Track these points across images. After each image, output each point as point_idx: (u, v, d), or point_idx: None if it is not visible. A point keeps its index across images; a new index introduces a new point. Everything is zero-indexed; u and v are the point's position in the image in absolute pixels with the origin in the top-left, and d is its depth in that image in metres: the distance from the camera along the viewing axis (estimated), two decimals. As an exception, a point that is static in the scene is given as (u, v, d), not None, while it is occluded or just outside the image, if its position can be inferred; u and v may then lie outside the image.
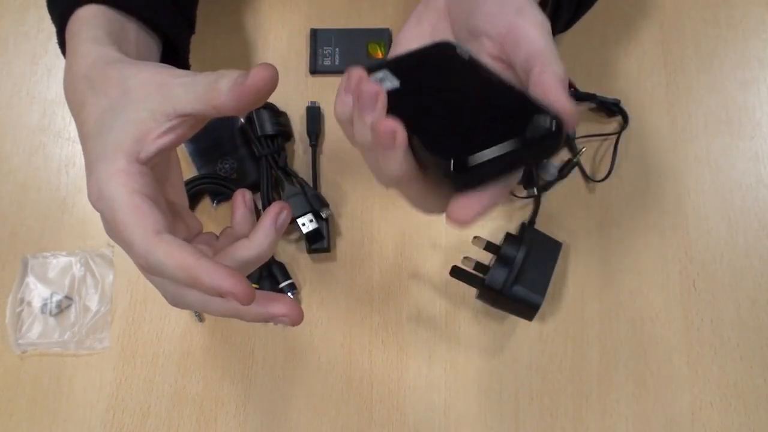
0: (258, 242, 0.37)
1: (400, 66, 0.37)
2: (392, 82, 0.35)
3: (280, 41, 0.66)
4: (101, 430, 0.56)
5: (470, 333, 0.58)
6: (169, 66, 0.38)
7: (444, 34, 0.40)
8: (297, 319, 0.36)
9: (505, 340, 0.58)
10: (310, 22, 0.66)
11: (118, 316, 0.59)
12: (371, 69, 0.36)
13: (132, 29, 0.44)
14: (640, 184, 0.62)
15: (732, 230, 0.61)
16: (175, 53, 0.49)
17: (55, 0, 0.44)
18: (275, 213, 0.38)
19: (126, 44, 0.42)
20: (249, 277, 0.58)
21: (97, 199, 0.34)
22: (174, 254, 0.32)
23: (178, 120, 0.35)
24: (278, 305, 0.36)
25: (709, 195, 0.62)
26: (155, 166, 0.36)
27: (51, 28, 0.66)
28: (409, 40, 0.41)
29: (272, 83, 0.33)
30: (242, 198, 0.41)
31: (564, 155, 0.63)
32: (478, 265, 0.55)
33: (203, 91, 0.34)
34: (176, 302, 0.37)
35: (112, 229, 0.34)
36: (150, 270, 0.34)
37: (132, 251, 0.33)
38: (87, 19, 0.42)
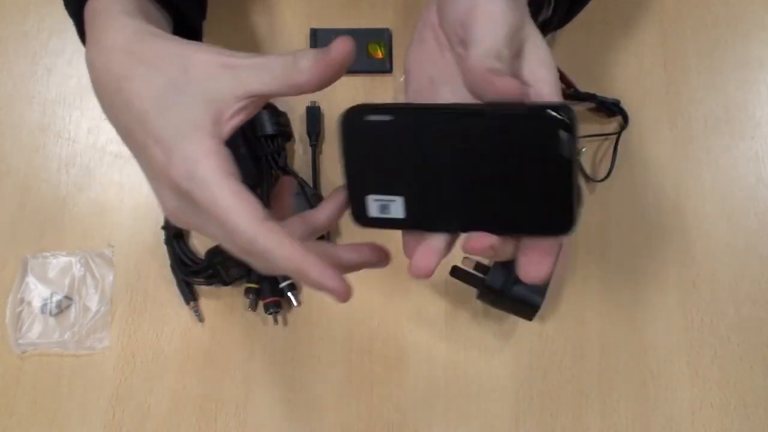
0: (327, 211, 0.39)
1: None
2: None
3: (280, 41, 0.66)
4: (101, 430, 0.56)
5: (470, 333, 0.58)
6: (221, 47, 0.37)
7: (447, 48, 0.40)
8: (339, 297, 0.35)
9: (505, 340, 0.58)
10: (310, 22, 0.66)
11: (118, 316, 0.59)
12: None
13: (152, 7, 0.43)
14: (640, 184, 0.62)
15: (732, 230, 0.61)
16: (189, 35, 0.48)
17: None
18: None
19: (150, 22, 0.41)
20: (249, 276, 0.59)
21: (188, 180, 0.33)
22: (284, 245, 0.32)
23: (248, 100, 0.35)
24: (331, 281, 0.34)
25: (709, 195, 0.62)
26: None
27: (51, 28, 0.66)
28: (420, 62, 0.41)
29: (351, 56, 0.34)
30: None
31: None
32: (478, 265, 0.55)
33: (282, 71, 0.34)
34: (267, 271, 0.36)
35: (208, 210, 0.33)
36: (251, 253, 0.34)
37: (234, 235, 0.33)
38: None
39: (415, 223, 0.35)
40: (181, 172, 0.33)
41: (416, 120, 0.34)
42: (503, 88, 0.33)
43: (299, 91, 0.35)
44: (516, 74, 0.36)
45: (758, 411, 0.56)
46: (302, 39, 0.66)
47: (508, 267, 0.53)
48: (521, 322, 0.58)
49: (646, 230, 0.61)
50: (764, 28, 0.67)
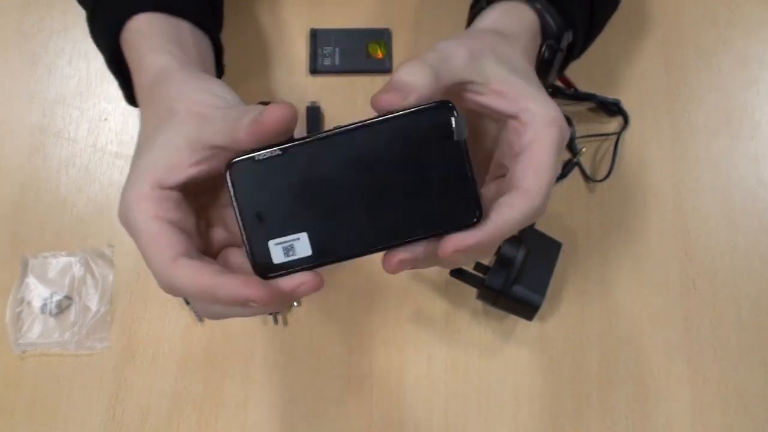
0: None
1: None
2: None
3: (280, 41, 0.66)
4: (101, 430, 0.56)
5: (470, 333, 0.58)
6: (225, 88, 0.38)
7: None
8: (315, 283, 0.34)
9: (505, 340, 0.58)
10: (310, 22, 0.66)
11: (118, 316, 0.59)
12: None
13: (187, 30, 0.44)
14: (640, 184, 0.62)
15: (732, 230, 0.61)
16: (216, 54, 0.49)
17: (100, 20, 0.45)
18: None
19: (186, 47, 0.43)
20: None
21: (124, 223, 0.35)
22: (191, 277, 0.33)
23: (211, 151, 0.35)
24: (290, 280, 0.34)
25: (709, 195, 0.62)
26: (196, 189, 0.36)
27: (51, 28, 0.66)
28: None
29: (287, 123, 0.32)
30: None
31: (564, 155, 0.63)
32: (478, 265, 0.55)
33: (231, 125, 0.34)
34: (212, 316, 0.37)
35: (139, 248, 0.35)
36: (175, 293, 0.34)
37: (156, 277, 0.34)
38: (142, 30, 0.42)
39: (324, 256, 0.34)
40: (121, 214, 0.35)
41: (303, 149, 0.33)
42: (385, 101, 0.33)
43: (240, 147, 0.33)
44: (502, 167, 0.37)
45: (758, 411, 0.56)
46: (302, 39, 0.66)
47: (508, 267, 0.53)
48: (521, 322, 0.58)
49: (646, 230, 0.61)
50: (764, 27, 0.67)
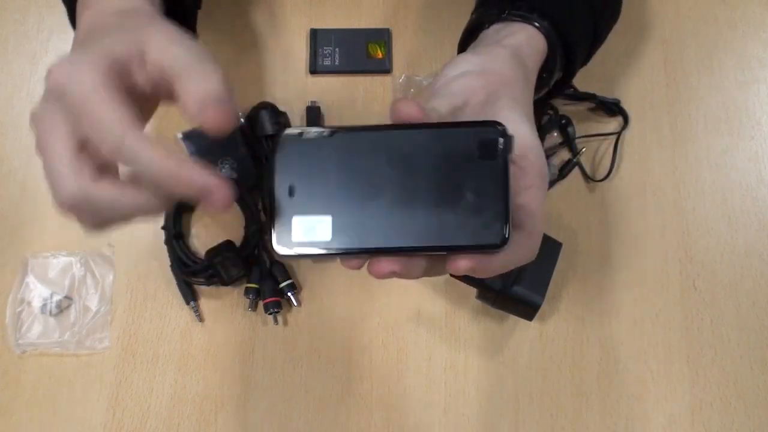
0: None
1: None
2: None
3: (280, 41, 0.66)
4: (101, 430, 0.56)
5: (470, 333, 0.58)
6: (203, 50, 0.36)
7: None
8: (221, 199, 0.32)
9: (505, 340, 0.58)
10: (310, 22, 0.66)
11: (118, 316, 0.59)
12: None
13: None
14: (640, 184, 0.62)
15: (732, 230, 0.61)
16: (183, 22, 0.48)
17: None
18: None
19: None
20: (250, 277, 0.58)
21: (66, 81, 0.32)
22: (154, 147, 0.31)
23: (170, 79, 0.33)
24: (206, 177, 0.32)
25: (709, 195, 0.62)
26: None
27: (51, 28, 0.66)
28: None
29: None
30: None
31: (564, 155, 0.63)
32: (478, 265, 0.55)
33: (201, 90, 0.32)
34: (95, 221, 0.34)
35: (79, 111, 0.32)
36: (123, 159, 0.32)
37: (101, 134, 0.31)
38: None
39: (342, 244, 0.33)
40: (62, 73, 0.32)
41: (350, 137, 0.34)
42: (406, 113, 0.33)
43: (196, 122, 0.33)
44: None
45: (758, 411, 0.56)
46: (302, 39, 0.66)
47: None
48: (521, 322, 0.58)
49: (646, 230, 0.61)
50: (764, 27, 0.67)
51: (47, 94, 0.34)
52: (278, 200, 0.34)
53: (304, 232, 0.33)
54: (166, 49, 0.34)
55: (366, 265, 0.34)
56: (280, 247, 0.33)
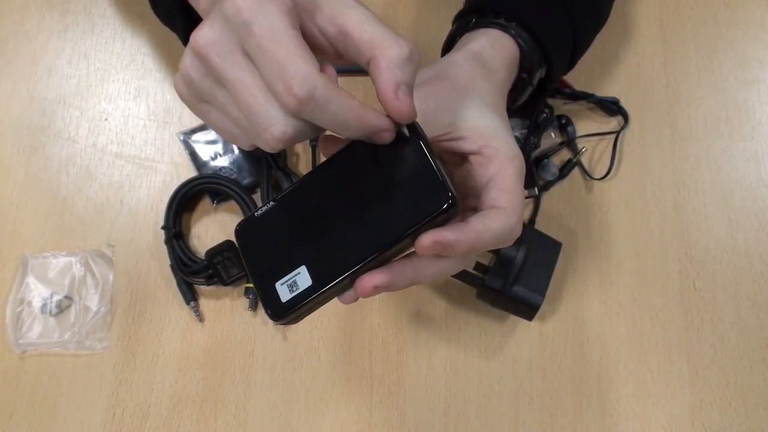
0: None
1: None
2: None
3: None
4: (101, 430, 0.56)
5: (470, 333, 0.58)
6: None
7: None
8: (390, 136, 0.33)
9: (505, 340, 0.58)
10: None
11: (118, 316, 0.59)
12: None
13: None
14: (640, 184, 0.62)
15: (732, 230, 0.61)
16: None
17: None
18: None
19: None
20: (250, 277, 0.58)
21: (253, 12, 0.30)
22: (341, 91, 0.31)
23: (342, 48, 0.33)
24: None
25: (709, 195, 0.62)
26: None
27: (51, 28, 0.66)
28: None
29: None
30: None
31: (564, 155, 0.63)
32: (478, 265, 0.55)
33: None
34: (271, 142, 0.32)
35: (264, 48, 0.30)
36: (308, 102, 0.30)
37: (293, 80, 0.29)
38: None
39: (324, 281, 0.35)
40: (248, 1, 0.30)
41: (291, 194, 0.37)
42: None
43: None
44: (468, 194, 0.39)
45: (758, 411, 0.56)
46: (302, 39, 0.66)
47: (507, 267, 0.53)
48: (521, 322, 0.58)
49: (646, 230, 0.61)
50: (764, 27, 0.67)
51: (215, 18, 0.31)
52: (257, 279, 0.36)
53: (288, 290, 0.35)
54: (341, 11, 0.32)
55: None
56: (277, 315, 0.36)
